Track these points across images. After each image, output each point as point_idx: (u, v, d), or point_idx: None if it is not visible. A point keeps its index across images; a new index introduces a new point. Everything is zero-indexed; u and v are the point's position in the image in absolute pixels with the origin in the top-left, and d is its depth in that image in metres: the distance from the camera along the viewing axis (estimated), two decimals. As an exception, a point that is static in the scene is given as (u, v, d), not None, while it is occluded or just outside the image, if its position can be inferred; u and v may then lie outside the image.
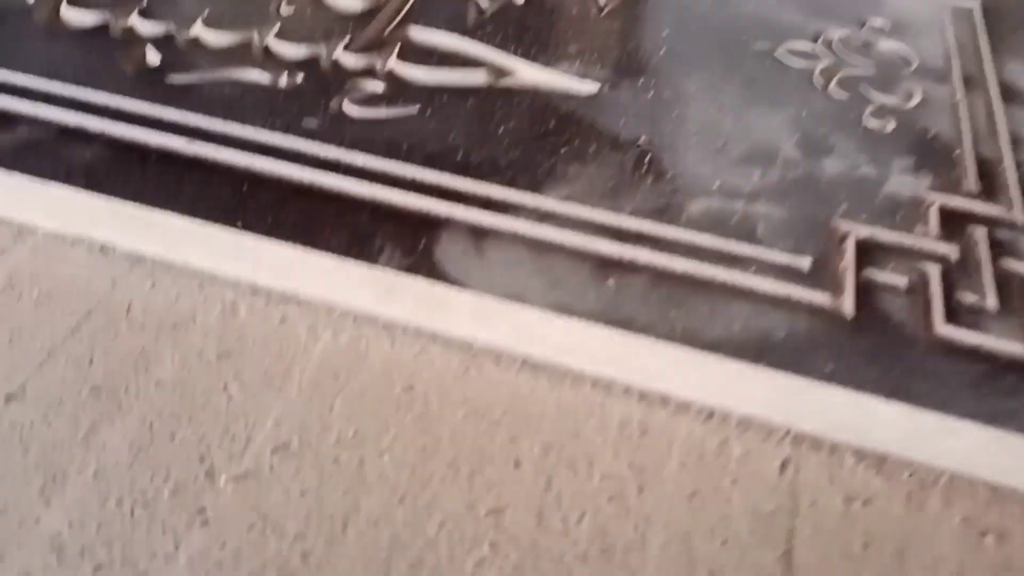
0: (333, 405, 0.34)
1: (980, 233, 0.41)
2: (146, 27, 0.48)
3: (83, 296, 0.37)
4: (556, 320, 0.35)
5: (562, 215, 0.39)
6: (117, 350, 0.35)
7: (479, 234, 0.38)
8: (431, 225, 0.38)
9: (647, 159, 0.43)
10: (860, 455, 0.36)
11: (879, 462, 0.35)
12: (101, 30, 0.48)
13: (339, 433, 0.33)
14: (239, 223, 0.38)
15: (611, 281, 0.37)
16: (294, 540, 0.31)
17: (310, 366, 0.35)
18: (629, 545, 0.33)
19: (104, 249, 0.38)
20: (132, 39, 0.47)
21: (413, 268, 0.36)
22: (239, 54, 0.46)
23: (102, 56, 0.45)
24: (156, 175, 0.40)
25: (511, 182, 0.40)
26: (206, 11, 0.48)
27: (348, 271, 0.36)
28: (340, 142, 0.42)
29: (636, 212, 0.40)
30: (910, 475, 0.34)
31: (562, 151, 0.42)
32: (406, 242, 0.37)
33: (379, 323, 0.36)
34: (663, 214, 0.40)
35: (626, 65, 0.48)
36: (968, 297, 0.38)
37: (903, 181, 0.43)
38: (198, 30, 0.47)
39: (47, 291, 0.37)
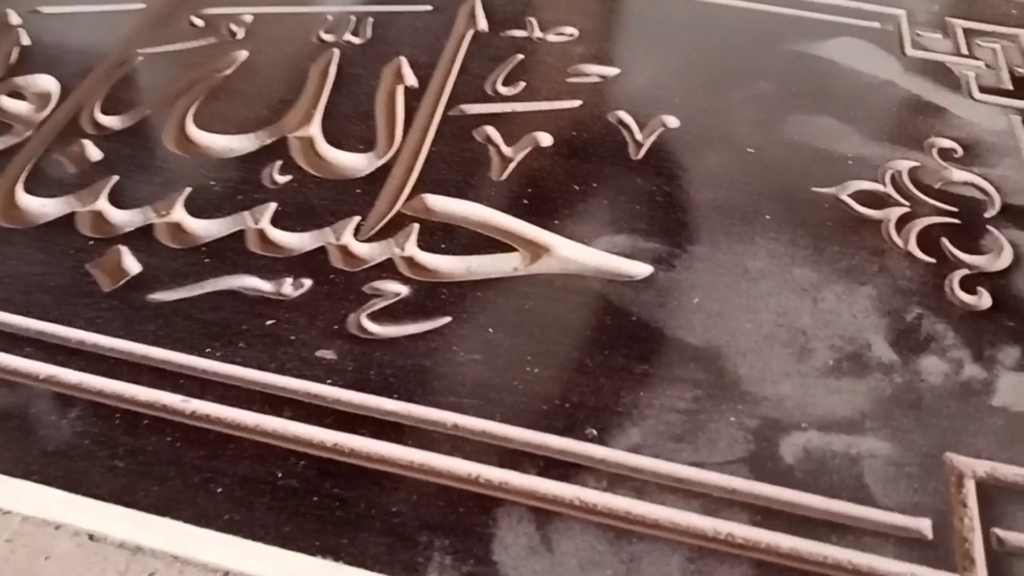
0: None
1: None
2: (118, 215, 0.40)
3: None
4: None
5: (635, 475, 0.33)
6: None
7: (543, 516, 0.32)
8: (485, 507, 0.32)
9: (724, 376, 0.37)
10: None
11: None
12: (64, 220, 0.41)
13: None
14: (245, 533, 0.32)
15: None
16: None
17: None
18: None
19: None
20: (103, 232, 0.40)
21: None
22: (231, 248, 0.40)
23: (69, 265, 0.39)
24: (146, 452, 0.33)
25: (568, 429, 0.34)
26: (186, 189, 0.41)
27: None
28: (363, 381, 0.35)
29: (723, 464, 0.35)
30: None
31: (624, 373, 0.36)
32: (458, 538, 0.31)
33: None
34: (754, 464, 0.34)
35: (678, 232, 0.41)
36: None
37: (1015, 384, 0.38)
38: (179, 214, 0.40)
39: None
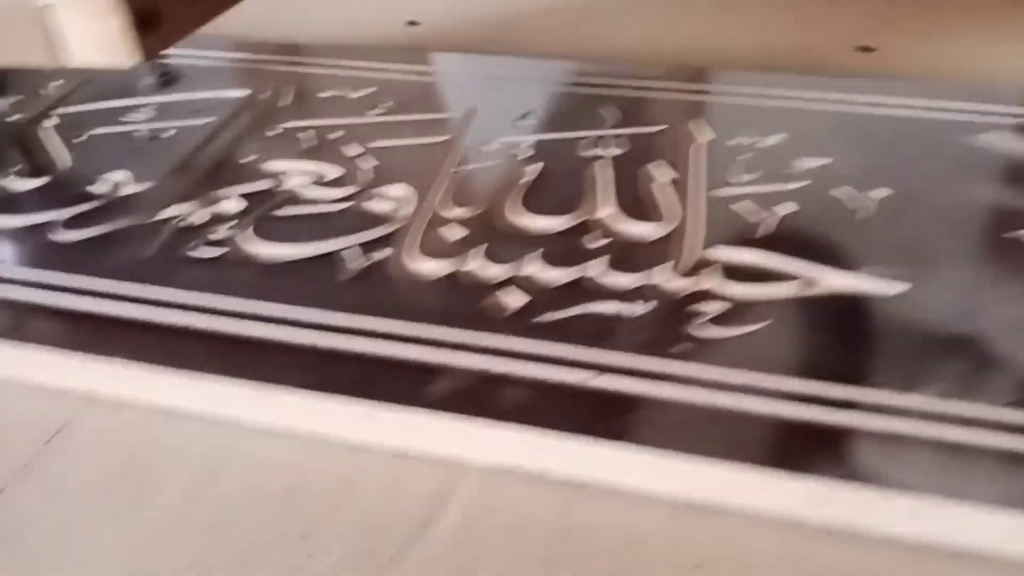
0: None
1: None
2: (490, 271, 0.54)
3: (541, 526, 0.42)
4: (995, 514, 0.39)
5: (949, 414, 0.44)
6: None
7: (884, 440, 0.43)
8: (835, 436, 0.43)
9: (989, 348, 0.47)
10: None
11: None
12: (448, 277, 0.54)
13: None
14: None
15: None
16: None
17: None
18: None
19: (541, 478, 0.43)
20: (480, 284, 0.53)
21: (847, 476, 0.41)
22: (573, 290, 0.53)
23: (462, 299, 0.52)
24: (584, 408, 0.45)
25: (884, 385, 0.46)
26: (539, 249, 0.55)
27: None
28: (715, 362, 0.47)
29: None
30: None
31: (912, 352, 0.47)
32: (830, 454, 0.42)
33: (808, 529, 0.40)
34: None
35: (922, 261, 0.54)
36: None
37: None
38: (533, 268, 0.54)
39: (506, 525, 0.42)
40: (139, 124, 0.73)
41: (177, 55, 0.80)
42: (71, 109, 0.77)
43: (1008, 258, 0.53)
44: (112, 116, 0.75)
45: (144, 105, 0.76)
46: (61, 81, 0.81)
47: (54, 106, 0.77)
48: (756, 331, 0.48)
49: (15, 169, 0.67)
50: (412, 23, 1.01)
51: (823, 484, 0.39)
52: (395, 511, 0.42)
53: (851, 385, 0.45)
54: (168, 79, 0.59)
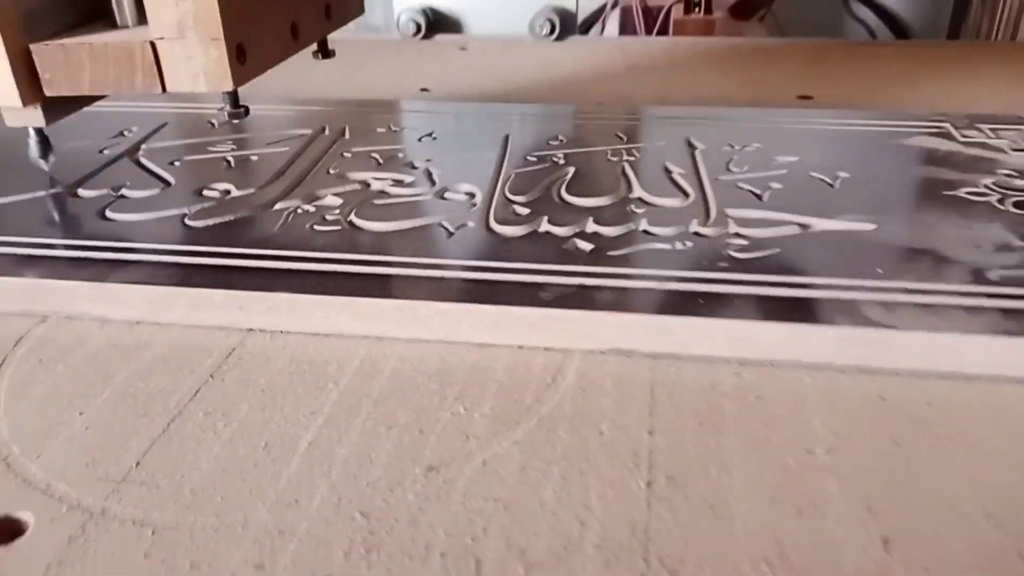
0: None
1: None
2: (557, 230, 0.68)
3: (637, 381, 0.55)
4: None
5: (924, 289, 0.60)
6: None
7: (881, 304, 0.58)
8: (847, 304, 0.58)
9: None
10: None
11: None
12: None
13: None
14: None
15: None
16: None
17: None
18: None
19: (632, 352, 0.57)
20: (554, 237, 0.67)
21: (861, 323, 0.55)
22: (629, 237, 0.67)
23: (545, 247, 0.66)
24: (659, 301, 0.59)
25: (873, 277, 0.61)
26: (591, 217, 0.69)
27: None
28: (749, 271, 0.62)
29: None
30: None
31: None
32: (844, 313, 0.57)
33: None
34: None
35: None
36: None
37: None
38: (592, 227, 0.68)
39: (611, 379, 0.55)
40: (225, 152, 0.87)
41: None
42: (156, 145, 0.89)
43: (947, 206, 0.71)
44: (199, 148, 0.88)
45: (224, 140, 0.90)
46: (135, 128, 0.94)
47: (142, 142, 0.89)
48: (773, 254, 0.64)
49: (126, 184, 0.79)
50: (424, 90, 1.18)
51: (847, 331, 0.54)
52: (525, 379, 0.55)
53: (848, 278, 0.60)
54: (237, 115, 0.73)
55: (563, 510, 0.43)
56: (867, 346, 0.54)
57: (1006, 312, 0.55)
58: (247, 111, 0.71)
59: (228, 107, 0.67)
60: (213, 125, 0.94)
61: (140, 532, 0.42)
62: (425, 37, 1.53)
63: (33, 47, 0.59)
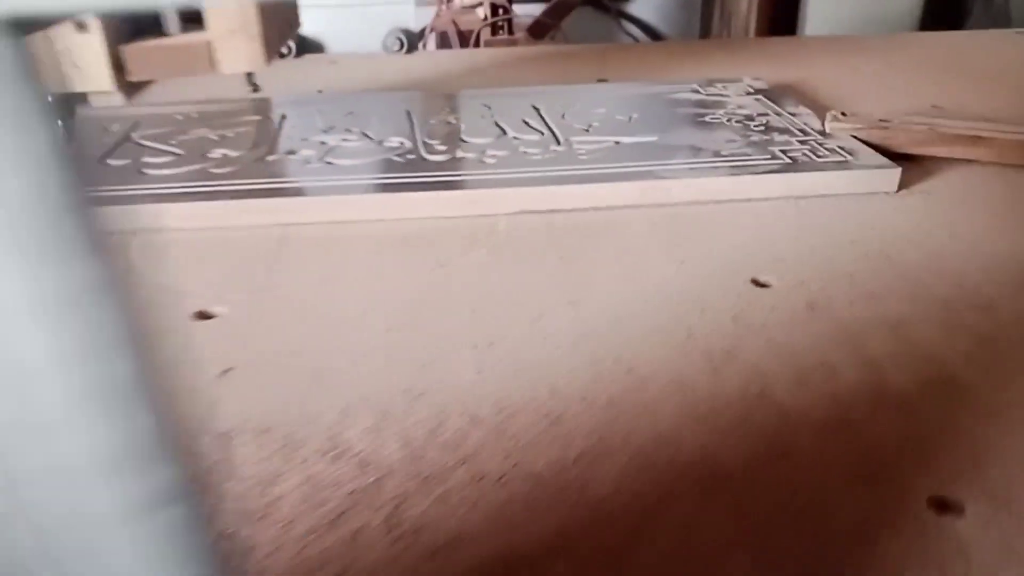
0: None
1: None
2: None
3: (555, 225, 0.95)
4: None
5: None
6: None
7: None
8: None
9: None
10: None
11: None
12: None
13: None
14: None
15: None
16: None
17: None
18: None
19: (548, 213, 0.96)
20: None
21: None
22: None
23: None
24: None
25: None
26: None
27: None
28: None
29: None
30: None
31: None
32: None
33: None
34: None
35: None
36: None
37: None
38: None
39: (533, 225, 0.94)
40: (205, 134, 1.17)
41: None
42: (145, 132, 1.18)
43: (698, 126, 1.18)
44: (180, 132, 1.18)
45: (197, 127, 1.20)
46: (116, 126, 1.21)
47: (130, 132, 1.17)
48: (601, 154, 1.07)
49: (142, 158, 1.08)
50: (319, 91, 1.51)
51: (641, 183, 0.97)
52: (477, 228, 0.93)
53: (642, 162, 1.04)
54: (256, 88, 1.06)
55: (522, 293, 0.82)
56: (654, 191, 0.97)
57: (733, 167, 1.00)
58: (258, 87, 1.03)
59: (250, 83, 0.99)
60: (180, 119, 1.23)
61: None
62: (297, 56, 1.86)
63: (124, 48, 0.89)
